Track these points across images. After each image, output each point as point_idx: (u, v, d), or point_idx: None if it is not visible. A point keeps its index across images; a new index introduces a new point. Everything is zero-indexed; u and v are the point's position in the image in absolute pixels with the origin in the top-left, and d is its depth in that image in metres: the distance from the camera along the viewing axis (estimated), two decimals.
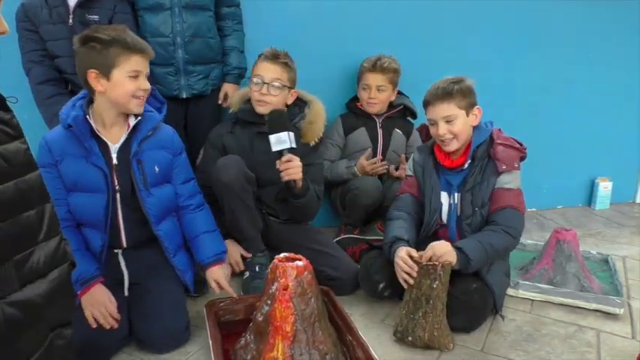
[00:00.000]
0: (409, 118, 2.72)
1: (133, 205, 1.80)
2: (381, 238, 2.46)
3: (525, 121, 2.98)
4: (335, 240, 2.48)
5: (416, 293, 1.79)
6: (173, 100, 2.23)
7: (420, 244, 1.94)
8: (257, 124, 2.17)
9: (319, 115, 2.22)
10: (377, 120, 2.64)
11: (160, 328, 1.74)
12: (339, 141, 2.64)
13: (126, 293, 1.79)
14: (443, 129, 1.92)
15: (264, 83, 2.12)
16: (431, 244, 1.85)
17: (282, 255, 1.68)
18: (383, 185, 2.54)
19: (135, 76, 1.71)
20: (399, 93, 2.68)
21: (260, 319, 1.60)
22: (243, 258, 2.16)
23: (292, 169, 1.95)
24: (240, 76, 2.42)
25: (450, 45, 2.85)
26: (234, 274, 2.15)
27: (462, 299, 1.86)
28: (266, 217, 2.22)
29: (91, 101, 1.78)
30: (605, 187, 3.35)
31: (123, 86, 1.70)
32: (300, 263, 1.61)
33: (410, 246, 1.90)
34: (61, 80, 2.14)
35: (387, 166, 2.57)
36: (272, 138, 1.92)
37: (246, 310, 1.87)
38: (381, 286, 1.98)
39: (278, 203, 2.22)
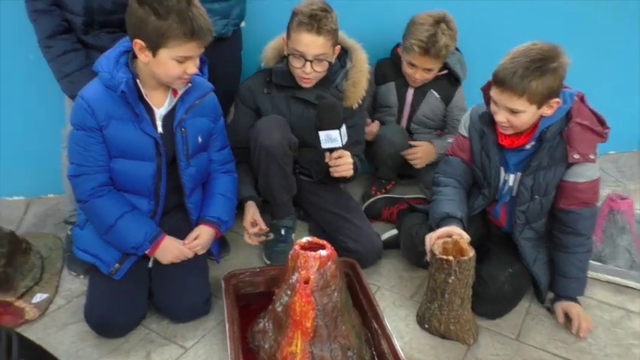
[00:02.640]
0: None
1: (169, 174, 1.67)
2: (420, 196, 2.31)
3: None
4: (369, 201, 2.31)
5: (432, 284, 1.65)
6: None
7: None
8: (293, 88, 1.94)
9: (363, 72, 1.95)
10: None
11: (180, 301, 1.68)
12: (371, 89, 2.32)
13: (150, 265, 1.71)
14: (502, 117, 1.60)
15: (307, 60, 1.83)
16: (560, 304, 1.76)
17: (304, 240, 1.54)
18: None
19: (182, 61, 1.50)
20: None
21: (279, 309, 1.49)
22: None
23: (342, 167, 1.78)
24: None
25: None
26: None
27: (490, 286, 1.72)
28: (297, 175, 2.06)
29: (134, 55, 1.56)
30: None
31: (167, 68, 1.50)
32: (323, 253, 1.47)
33: (463, 225, 1.71)
34: (73, 33, 1.89)
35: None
36: (322, 135, 1.72)
37: (267, 283, 1.77)
38: (426, 259, 1.74)
39: (313, 165, 2.04)
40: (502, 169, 1.76)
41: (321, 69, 1.85)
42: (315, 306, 1.44)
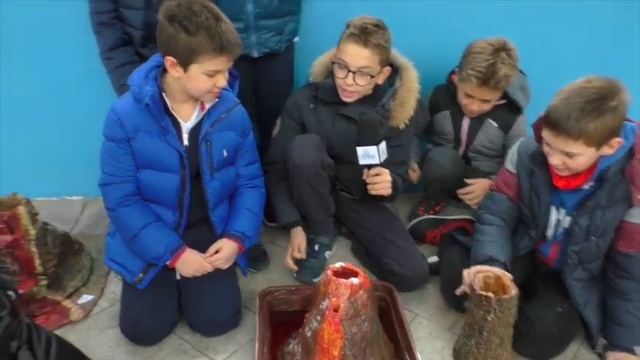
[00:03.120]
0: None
1: (194, 187, 1.70)
2: (467, 217, 2.22)
3: None
4: (413, 222, 2.25)
5: (470, 319, 1.57)
6: (242, 59, 2.01)
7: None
8: (338, 104, 1.91)
9: (412, 92, 1.88)
10: None
11: (207, 315, 1.71)
12: (425, 116, 2.26)
13: (177, 277, 1.73)
14: (557, 160, 1.49)
15: (350, 71, 1.80)
16: (613, 354, 1.64)
17: (337, 265, 1.52)
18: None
19: (212, 75, 1.53)
20: None
21: (308, 334, 1.48)
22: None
23: (380, 184, 1.74)
24: None
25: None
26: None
27: (536, 326, 1.62)
28: (338, 192, 2.04)
29: (164, 70, 1.60)
30: None
31: (197, 82, 1.53)
32: (355, 281, 1.44)
33: (506, 269, 1.62)
34: (132, 46, 1.98)
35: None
36: (359, 150, 1.69)
37: (302, 302, 1.76)
38: (466, 304, 1.66)
39: (354, 182, 2.00)
40: (553, 209, 1.65)
41: (363, 82, 1.81)
42: (344, 335, 1.41)
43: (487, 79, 1.95)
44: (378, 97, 1.89)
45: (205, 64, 1.49)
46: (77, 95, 2.28)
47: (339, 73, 1.82)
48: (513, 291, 1.51)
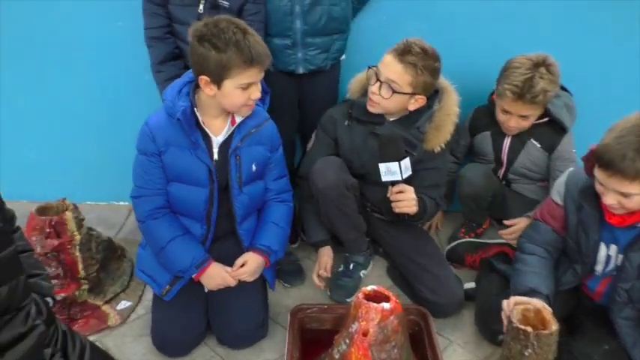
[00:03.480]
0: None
1: (222, 201, 1.72)
2: (506, 242, 2.14)
3: None
4: (452, 245, 2.19)
5: (506, 352, 1.49)
6: (288, 75, 2.04)
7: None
8: (372, 124, 1.89)
9: (450, 116, 1.84)
10: None
11: (230, 329, 1.72)
12: (465, 138, 2.22)
13: (206, 290, 1.75)
14: (612, 199, 1.43)
15: (378, 80, 1.79)
16: None
17: (369, 288, 1.49)
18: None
19: (246, 88, 1.55)
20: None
21: (336, 356, 1.46)
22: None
23: (404, 202, 1.71)
24: None
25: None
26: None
27: None
28: (370, 214, 2.01)
29: (197, 85, 1.64)
30: None
31: (232, 97, 1.56)
32: (386, 306, 1.41)
33: (549, 302, 1.55)
34: (182, 59, 2.03)
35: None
36: (381, 167, 1.67)
37: (334, 321, 1.74)
38: (502, 337, 1.59)
39: (384, 203, 1.96)
40: (603, 245, 1.57)
41: (386, 95, 1.78)
42: None
43: (523, 93, 1.87)
44: (415, 119, 1.85)
45: (237, 78, 1.52)
46: (129, 104, 2.37)
47: (371, 80, 1.82)
48: (554, 326, 1.44)
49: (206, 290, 1.74)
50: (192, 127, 1.61)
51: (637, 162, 1.32)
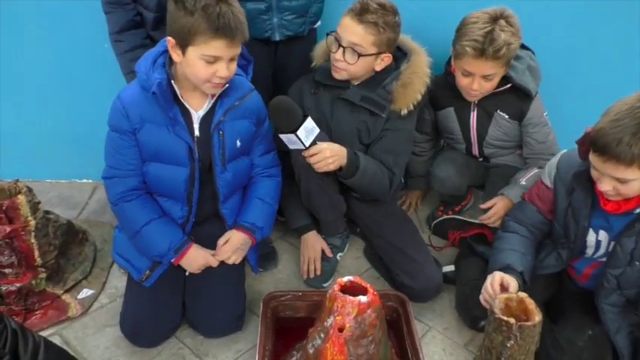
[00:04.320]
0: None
1: (207, 182, 1.61)
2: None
3: None
4: (434, 222, 2.13)
5: (487, 343, 1.44)
6: (262, 42, 1.89)
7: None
8: (339, 88, 1.78)
9: (418, 75, 1.73)
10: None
11: (209, 316, 1.64)
12: (429, 112, 2.07)
13: (187, 273, 1.65)
14: (607, 186, 1.36)
15: (341, 46, 1.68)
16: None
17: (346, 279, 1.40)
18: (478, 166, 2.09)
19: (211, 62, 1.41)
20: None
21: (310, 350, 1.38)
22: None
23: (320, 163, 1.61)
24: None
25: None
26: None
27: (566, 352, 1.48)
28: (347, 193, 1.90)
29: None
30: None
31: (195, 68, 1.42)
32: (363, 299, 1.32)
33: (523, 280, 1.51)
34: (144, 28, 1.86)
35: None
36: (282, 138, 1.58)
37: (309, 309, 1.66)
38: (483, 323, 1.54)
39: None
40: (591, 232, 1.51)
41: (351, 60, 1.68)
42: (348, 357, 1.31)
43: (485, 47, 1.70)
44: (381, 79, 1.75)
45: (201, 47, 1.38)
46: (90, 76, 2.20)
47: (332, 47, 1.71)
48: (537, 317, 1.38)
49: (187, 274, 1.65)
50: (170, 102, 1.48)
51: (634, 147, 1.25)
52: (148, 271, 1.60)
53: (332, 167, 1.63)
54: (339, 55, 1.69)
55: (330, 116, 1.81)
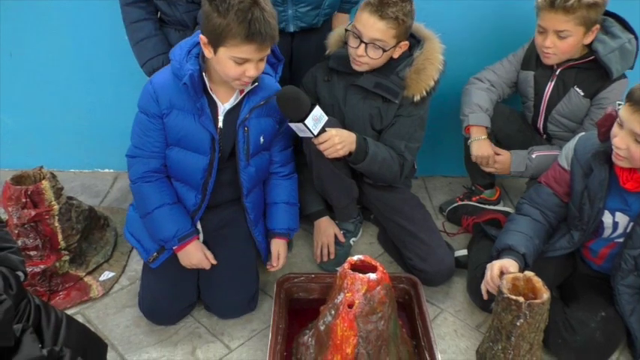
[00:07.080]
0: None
1: (225, 169, 1.66)
2: (507, 210, 2.10)
3: None
4: (451, 207, 2.14)
5: (496, 323, 1.45)
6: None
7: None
8: (352, 75, 1.80)
9: (431, 61, 1.74)
10: (554, 66, 1.88)
11: (222, 299, 1.68)
12: (515, 64, 1.99)
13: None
14: (623, 143, 1.37)
15: (362, 42, 1.69)
16: None
17: (356, 258, 1.44)
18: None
19: (241, 63, 1.45)
20: (609, 15, 1.79)
21: (322, 327, 1.42)
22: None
23: (330, 150, 1.63)
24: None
25: None
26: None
27: (578, 333, 1.49)
28: (360, 179, 1.93)
29: None
30: None
31: (225, 67, 1.47)
32: (372, 277, 1.35)
33: (525, 262, 1.52)
34: (150, 2, 1.92)
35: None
36: (292, 127, 1.61)
37: (322, 290, 1.70)
38: (493, 305, 1.54)
39: None
40: (607, 213, 1.51)
41: (375, 56, 1.69)
42: (358, 332, 1.34)
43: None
44: (395, 65, 1.76)
45: (232, 50, 1.42)
46: (111, 68, 2.27)
47: (352, 42, 1.72)
48: (545, 295, 1.39)
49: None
50: (199, 93, 1.54)
51: None
52: (155, 253, 1.65)
53: (341, 153, 1.66)
54: (360, 51, 1.70)
55: (343, 103, 1.84)
